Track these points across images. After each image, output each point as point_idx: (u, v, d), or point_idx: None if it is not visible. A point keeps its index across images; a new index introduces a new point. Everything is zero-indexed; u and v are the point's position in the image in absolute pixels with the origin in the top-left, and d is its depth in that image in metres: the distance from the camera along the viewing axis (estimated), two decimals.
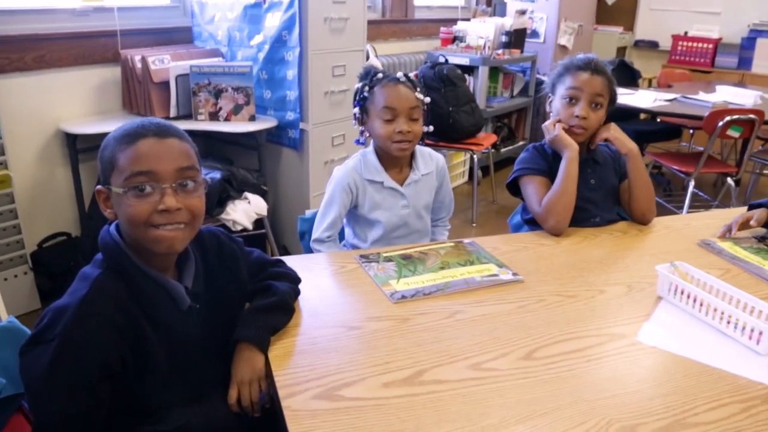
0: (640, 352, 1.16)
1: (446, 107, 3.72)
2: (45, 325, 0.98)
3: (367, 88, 1.66)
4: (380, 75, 1.66)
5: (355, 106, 1.71)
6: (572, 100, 1.73)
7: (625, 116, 4.04)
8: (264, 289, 1.23)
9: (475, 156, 3.89)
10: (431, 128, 1.73)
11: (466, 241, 1.61)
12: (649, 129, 4.47)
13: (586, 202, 1.76)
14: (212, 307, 1.16)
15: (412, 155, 1.74)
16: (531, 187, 1.77)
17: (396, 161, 1.71)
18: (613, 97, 1.78)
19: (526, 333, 1.20)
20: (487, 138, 4.02)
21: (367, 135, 1.72)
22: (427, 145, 2.61)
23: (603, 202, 1.81)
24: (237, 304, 1.23)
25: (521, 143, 5.14)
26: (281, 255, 2.98)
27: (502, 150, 4.81)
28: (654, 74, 5.71)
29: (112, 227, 1.08)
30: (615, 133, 1.77)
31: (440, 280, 1.38)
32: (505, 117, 5.03)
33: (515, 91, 5.02)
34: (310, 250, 1.76)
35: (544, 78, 5.32)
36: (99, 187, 1.07)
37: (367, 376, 1.05)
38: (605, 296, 1.37)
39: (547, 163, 1.80)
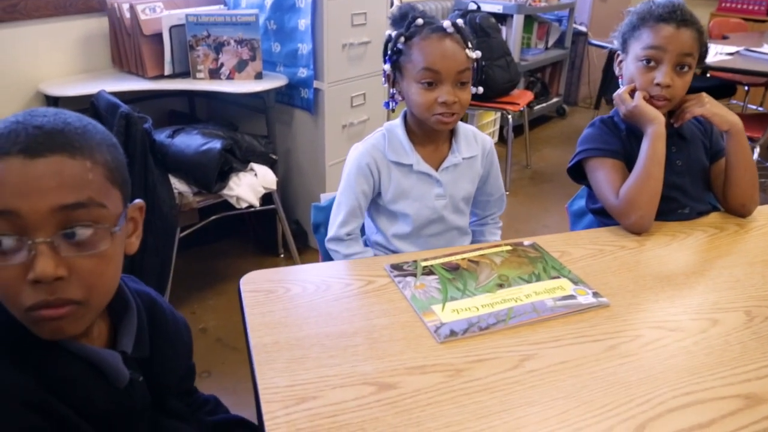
0: None
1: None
2: None
3: (402, 39, 1.25)
4: (420, 21, 1.24)
5: (385, 62, 1.30)
6: (652, 63, 1.35)
7: None
8: None
9: (509, 116, 3.49)
10: (480, 90, 1.35)
11: (525, 242, 1.26)
12: (701, 86, 3.96)
13: (673, 189, 1.39)
14: (159, 377, 0.84)
15: (453, 131, 1.37)
16: (602, 172, 1.41)
17: (432, 137, 1.34)
18: (703, 53, 1.39)
19: (627, 394, 0.86)
20: (522, 95, 3.62)
21: (400, 99, 1.33)
22: None
23: (692, 188, 1.44)
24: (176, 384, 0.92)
25: (555, 100, 4.73)
26: (293, 231, 2.66)
27: (536, 108, 4.40)
28: (702, 23, 5.21)
29: None
30: (711, 107, 1.39)
31: (500, 306, 1.04)
32: (538, 71, 4.61)
33: (550, 43, 4.59)
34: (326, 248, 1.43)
35: (581, 28, 4.88)
36: None
37: None
38: (720, 329, 1.02)
39: (620, 142, 1.44)
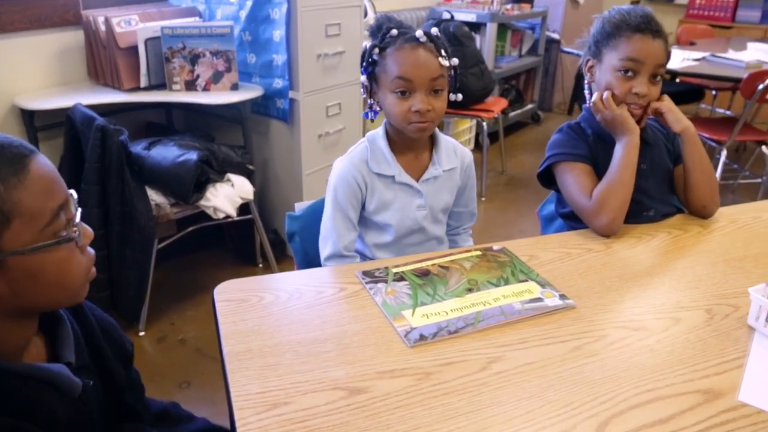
0: (748, 423, 0.85)
1: None
2: None
3: (377, 50, 1.27)
4: (395, 32, 1.26)
5: (362, 73, 1.32)
6: (630, 73, 1.39)
7: None
8: None
9: (484, 123, 3.54)
10: (460, 97, 1.36)
11: (495, 247, 1.29)
12: (671, 90, 4.09)
13: (638, 192, 1.43)
14: (106, 378, 0.87)
15: (434, 143, 1.39)
16: (571, 176, 1.44)
17: (412, 146, 1.36)
18: (667, 61, 1.44)
19: (591, 392, 0.89)
20: (496, 103, 3.67)
21: (378, 109, 1.35)
22: None
23: (657, 191, 1.48)
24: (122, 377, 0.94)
25: (529, 106, 4.79)
26: (272, 241, 2.67)
27: (511, 114, 4.46)
28: (670, 30, 5.32)
29: None
30: (669, 104, 1.44)
31: (469, 310, 1.06)
32: (512, 78, 4.67)
33: (524, 50, 4.65)
34: (302, 255, 1.45)
35: (554, 35, 4.96)
36: None
37: None
38: (681, 327, 1.06)
39: (588, 146, 1.47)
